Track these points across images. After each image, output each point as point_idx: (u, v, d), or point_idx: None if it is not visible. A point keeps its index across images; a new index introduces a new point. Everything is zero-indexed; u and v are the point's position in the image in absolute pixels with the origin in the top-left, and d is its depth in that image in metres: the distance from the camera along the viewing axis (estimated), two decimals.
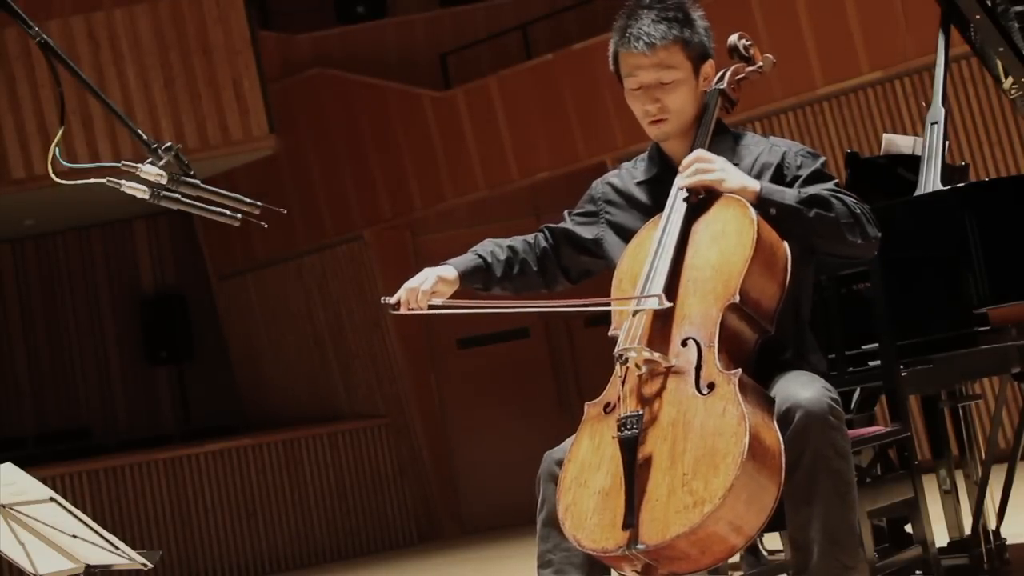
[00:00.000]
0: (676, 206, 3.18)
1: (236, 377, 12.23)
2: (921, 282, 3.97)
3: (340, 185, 11.16)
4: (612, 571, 3.09)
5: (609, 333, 3.16)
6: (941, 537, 4.04)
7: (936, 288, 3.96)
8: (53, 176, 2.72)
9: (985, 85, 8.51)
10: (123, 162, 2.67)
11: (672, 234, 3.13)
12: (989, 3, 4.37)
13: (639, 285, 3.11)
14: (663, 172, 3.35)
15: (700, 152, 3.20)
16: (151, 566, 3.91)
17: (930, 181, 4.17)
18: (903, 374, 3.75)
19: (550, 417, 10.67)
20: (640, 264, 3.16)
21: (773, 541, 3.67)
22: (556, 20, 11.75)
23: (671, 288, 3.07)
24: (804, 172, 3.24)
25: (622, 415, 2.94)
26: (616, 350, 3.05)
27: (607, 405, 3.05)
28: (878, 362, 3.78)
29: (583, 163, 9.97)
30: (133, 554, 3.85)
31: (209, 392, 12.36)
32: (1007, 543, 4.31)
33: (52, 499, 3.74)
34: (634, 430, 2.90)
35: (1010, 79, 4.43)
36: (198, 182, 2.68)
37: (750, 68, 3.44)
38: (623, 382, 3.01)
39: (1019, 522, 4.58)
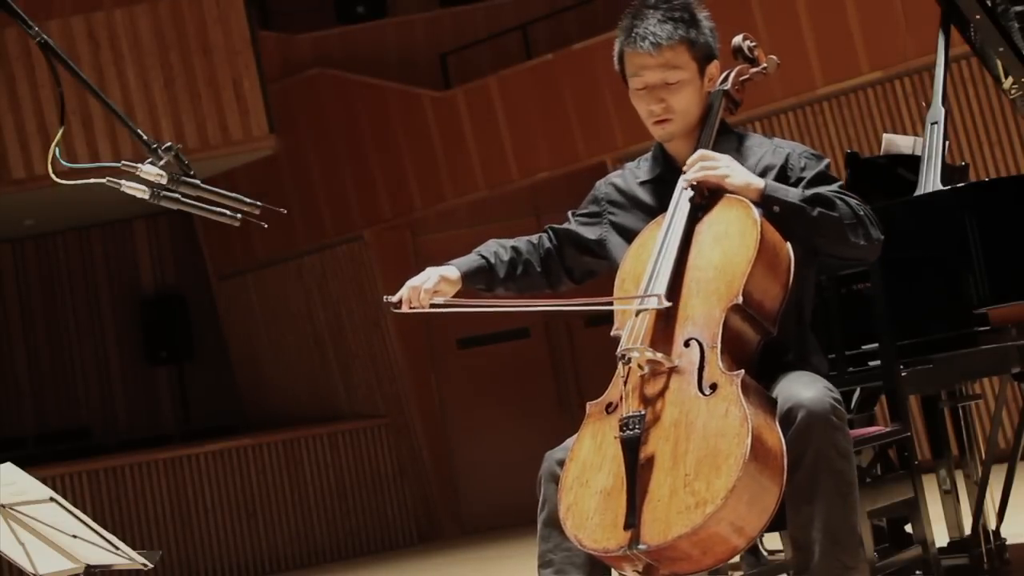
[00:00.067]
0: (679, 206, 3.18)
1: (236, 377, 12.23)
2: (921, 282, 3.97)
3: (340, 185, 11.16)
4: (613, 571, 3.09)
5: (612, 333, 3.16)
6: (941, 537, 4.04)
7: (936, 288, 3.96)
8: (53, 176, 2.72)
9: (985, 85, 8.50)
10: (123, 162, 2.67)
11: (675, 234, 3.13)
12: (989, 3, 4.37)
13: (642, 285, 3.11)
14: (667, 172, 3.35)
15: (704, 151, 3.20)
16: (151, 566, 3.91)
17: (930, 181, 4.17)
18: (903, 374, 3.75)
19: (550, 417, 10.67)
20: (643, 264, 3.16)
21: (773, 541, 3.67)
22: (556, 20, 11.75)
23: (674, 288, 3.07)
24: (808, 174, 3.24)
25: (624, 415, 2.94)
26: (619, 350, 3.05)
27: (609, 405, 3.05)
28: (878, 362, 3.78)
29: (583, 163, 9.97)
30: (133, 554, 3.85)
31: (209, 392, 12.36)
32: (1007, 543, 4.31)
33: (52, 499, 3.74)
34: (636, 430, 2.90)
35: (1010, 79, 4.43)
36: (198, 182, 2.68)
37: (754, 69, 3.44)
38: (625, 382, 3.01)
39: (1019, 522, 4.58)
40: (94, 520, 3.83)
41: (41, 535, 3.86)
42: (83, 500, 9.71)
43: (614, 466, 2.92)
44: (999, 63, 4.43)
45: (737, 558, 3.09)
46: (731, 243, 3.08)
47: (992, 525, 4.29)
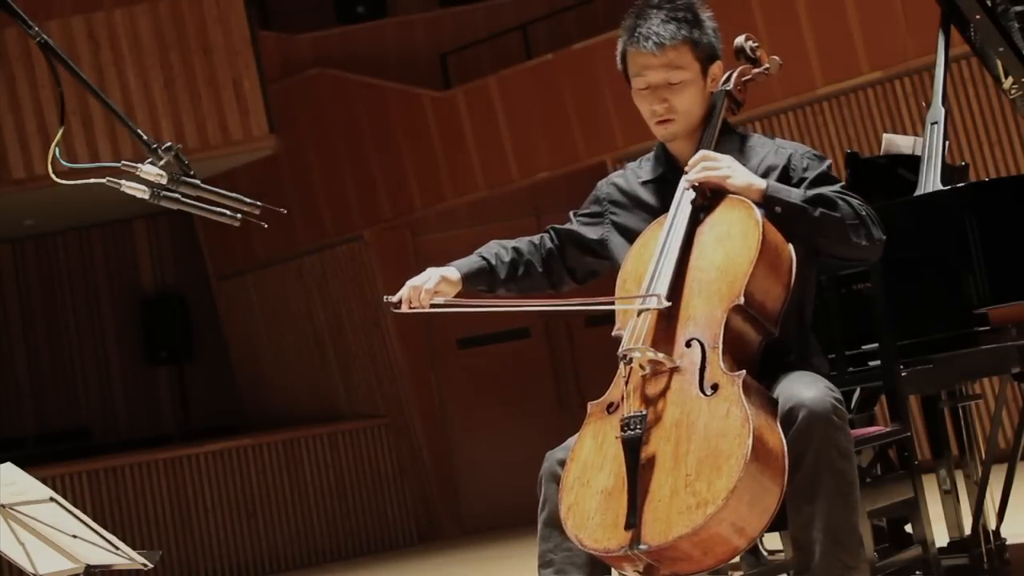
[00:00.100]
0: (681, 207, 3.18)
1: (236, 377, 12.23)
2: (921, 282, 3.97)
3: (340, 185, 11.16)
4: (613, 571, 3.09)
5: (613, 333, 3.16)
6: (941, 537, 4.04)
7: (936, 288, 3.96)
8: (53, 176, 2.72)
9: (985, 85, 8.50)
10: (123, 162, 2.67)
11: (677, 235, 3.13)
12: (989, 3, 4.37)
13: (644, 285, 3.11)
14: (669, 172, 3.35)
15: (706, 152, 3.21)
16: (151, 566, 3.91)
17: (930, 181, 4.17)
18: (903, 374, 3.75)
19: (550, 417, 10.67)
20: (645, 264, 3.16)
21: (773, 541, 3.67)
22: (556, 20, 11.75)
23: (675, 289, 3.07)
24: (810, 174, 3.24)
25: (626, 415, 2.94)
26: (620, 350, 3.05)
27: (610, 405, 3.05)
28: (878, 362, 3.78)
29: (583, 163, 9.97)
30: (133, 554, 3.85)
31: (209, 392, 12.36)
32: (1007, 543, 4.31)
33: (52, 499, 3.74)
34: (637, 430, 2.90)
35: (1010, 79, 4.43)
36: (198, 182, 2.68)
37: (756, 70, 3.44)
38: (627, 382, 3.01)
39: (1019, 522, 4.58)
40: (94, 520, 3.83)
41: (41, 535, 3.86)
42: (83, 500, 9.71)
43: (615, 466, 2.92)
44: (999, 63, 4.43)
45: (737, 558, 3.09)
46: (733, 244, 3.08)
47: (992, 525, 4.29)
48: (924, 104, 4.73)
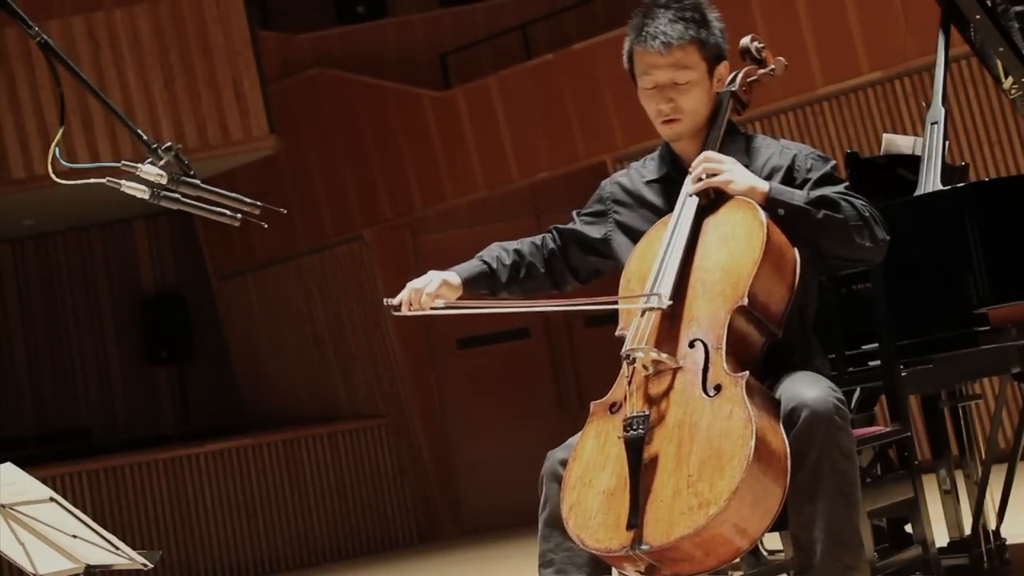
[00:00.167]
0: (686, 207, 3.18)
1: (236, 377, 12.23)
2: (921, 282, 3.96)
3: (340, 185, 11.16)
4: (614, 571, 3.09)
5: (616, 333, 3.16)
6: (941, 537, 4.04)
7: (936, 288, 3.96)
8: (53, 176, 2.72)
9: (985, 85, 8.50)
10: (123, 162, 2.68)
11: (681, 235, 3.13)
12: (989, 3, 4.37)
13: (647, 285, 3.11)
14: (673, 172, 3.35)
15: (709, 153, 3.21)
16: (151, 566, 3.91)
17: (930, 181, 4.17)
18: (903, 374, 3.75)
19: (550, 417, 10.67)
20: (649, 264, 3.16)
21: (773, 541, 3.67)
22: (556, 20, 11.75)
23: (679, 289, 3.07)
24: (814, 175, 3.24)
25: (628, 415, 2.94)
26: (624, 350, 3.05)
27: (613, 404, 3.05)
28: (878, 362, 3.78)
29: (583, 163, 9.97)
30: (133, 554, 3.85)
31: (209, 392, 12.36)
32: (1007, 543, 4.31)
33: (52, 499, 3.74)
34: (640, 430, 2.90)
35: (1010, 79, 4.43)
36: (198, 182, 2.68)
37: (762, 71, 3.44)
38: (630, 382, 3.01)
39: (1019, 522, 4.58)
40: (94, 520, 3.83)
41: (41, 535, 3.86)
42: (83, 500, 9.71)
43: (617, 466, 2.92)
44: (999, 63, 4.43)
45: (738, 558, 3.09)
46: (737, 244, 3.08)
47: (992, 525, 4.29)
48: (924, 104, 4.73)
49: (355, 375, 11.33)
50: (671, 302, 3.04)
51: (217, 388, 12.30)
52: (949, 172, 4.28)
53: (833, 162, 3.31)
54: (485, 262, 3.41)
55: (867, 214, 3.13)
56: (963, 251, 3.88)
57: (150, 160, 2.66)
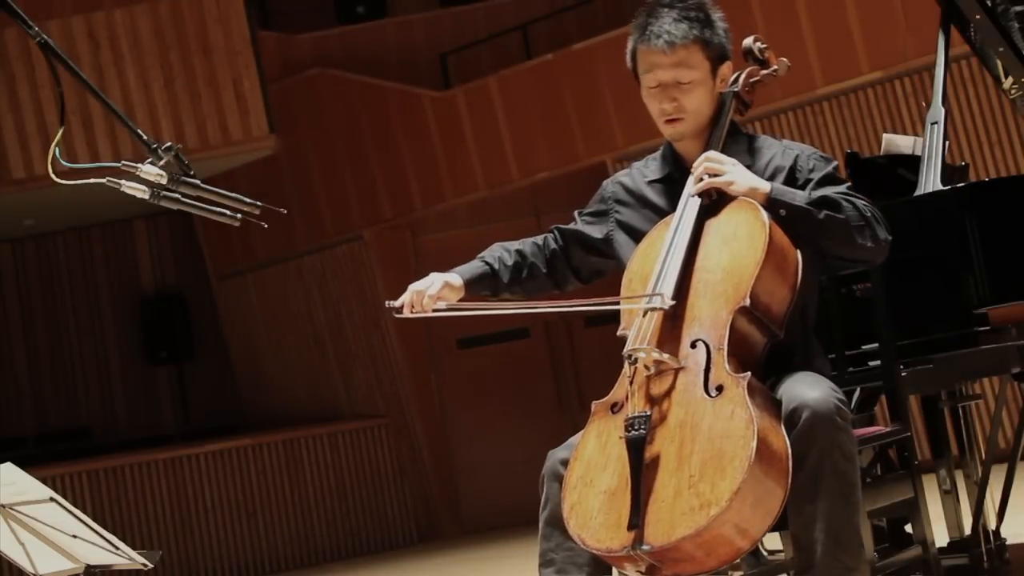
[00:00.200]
0: (688, 207, 3.18)
1: (236, 377, 12.23)
2: (921, 282, 3.96)
3: (340, 185, 11.16)
4: (615, 571, 3.08)
5: (618, 333, 3.16)
6: (941, 537, 4.04)
7: (936, 288, 3.96)
8: (53, 176, 2.72)
9: (985, 85, 8.51)
10: (123, 162, 2.67)
11: (683, 235, 3.13)
12: (989, 3, 4.37)
13: (649, 285, 3.11)
14: (676, 172, 3.35)
15: (711, 153, 3.21)
16: (151, 566, 3.91)
17: (930, 181, 4.17)
18: (903, 374, 3.74)
19: (550, 417, 10.67)
20: (651, 264, 3.16)
21: (773, 541, 3.67)
22: (556, 20, 11.75)
23: (681, 290, 3.07)
24: (816, 175, 3.24)
25: (630, 415, 2.94)
26: (625, 350, 3.05)
27: (614, 404, 3.05)
28: (878, 362, 3.78)
29: (583, 163, 9.97)
30: (133, 554, 3.85)
31: (209, 392, 12.36)
32: (1007, 543, 4.30)
33: (52, 499, 3.74)
34: (642, 431, 2.90)
35: (1010, 79, 4.43)
36: (198, 182, 2.68)
37: (765, 71, 3.44)
38: (631, 382, 3.01)
39: (1019, 522, 4.58)
40: (94, 520, 3.83)
41: (41, 535, 3.86)
42: (83, 500, 9.71)
43: (619, 466, 2.92)
44: (999, 63, 4.43)
45: (739, 559, 3.09)
46: (739, 245, 3.08)
47: (992, 525, 4.29)
48: (924, 104, 4.73)
49: (355, 375, 11.33)
50: (674, 302, 3.04)
51: (217, 388, 12.30)
52: (949, 172, 4.28)
53: (835, 163, 3.31)
54: (487, 263, 3.41)
55: (869, 214, 3.13)
56: (963, 251, 3.88)
57: (150, 160, 2.66)
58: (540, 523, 3.13)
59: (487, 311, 3.32)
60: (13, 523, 3.84)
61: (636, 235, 3.35)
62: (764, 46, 3.47)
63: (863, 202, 3.14)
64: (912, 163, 4.36)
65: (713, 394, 2.92)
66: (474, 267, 3.40)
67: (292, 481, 10.57)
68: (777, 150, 3.32)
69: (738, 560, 3.03)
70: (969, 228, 3.89)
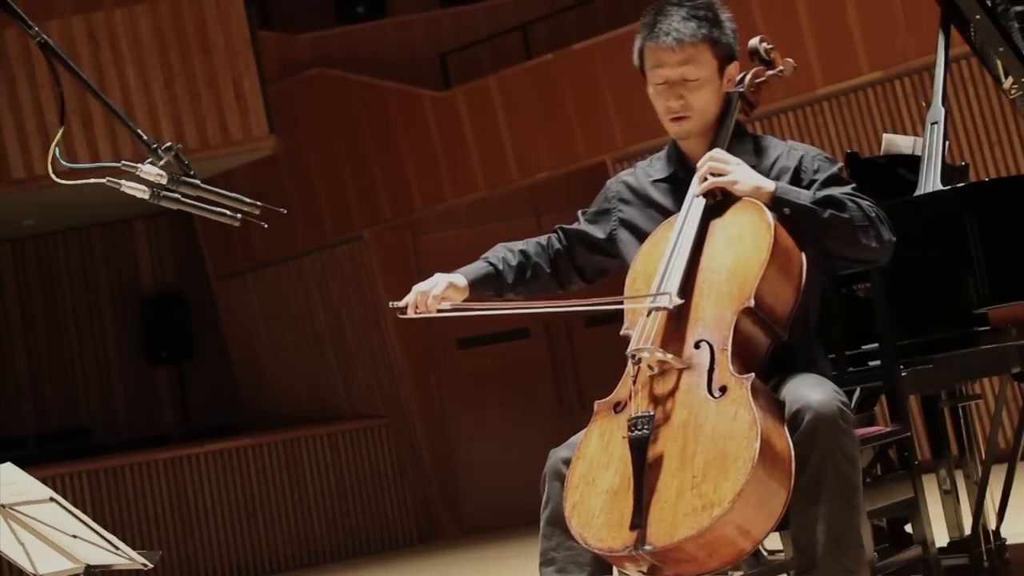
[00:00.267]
0: (693, 207, 3.18)
1: (236, 377, 12.23)
2: (921, 282, 3.96)
3: (340, 185, 11.16)
4: (615, 570, 3.08)
5: (622, 332, 3.16)
6: (941, 537, 4.03)
7: (936, 288, 3.96)
8: (53, 176, 2.72)
9: (985, 85, 8.51)
10: (123, 162, 2.67)
11: (688, 235, 3.13)
12: (989, 3, 4.37)
13: (653, 285, 3.10)
14: (680, 171, 3.35)
15: (715, 151, 3.21)
16: (151, 566, 3.91)
17: (930, 181, 4.17)
18: (903, 374, 3.74)
19: (550, 417, 10.67)
20: (655, 264, 3.16)
21: (774, 541, 3.67)
22: (556, 20, 11.75)
23: (685, 289, 3.06)
24: (821, 176, 3.24)
25: (633, 415, 2.94)
26: (629, 349, 3.05)
27: (617, 404, 3.04)
28: (878, 362, 3.78)
29: (583, 163, 9.97)
30: (133, 554, 3.85)
31: (209, 392, 12.36)
32: (1007, 543, 4.30)
33: (52, 499, 3.74)
34: (644, 430, 2.89)
35: (1010, 79, 4.43)
36: (198, 182, 2.68)
37: (770, 72, 3.44)
38: (635, 381, 3.00)
39: (1019, 522, 4.58)
40: (94, 520, 3.83)
41: (41, 535, 3.86)
42: (83, 500, 9.71)
43: (621, 466, 2.92)
44: (999, 63, 4.43)
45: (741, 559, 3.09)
46: (744, 246, 3.07)
47: (992, 525, 4.29)
48: (924, 104, 4.73)
49: (355, 375, 11.33)
50: (681, 301, 3.04)
51: (217, 388, 12.30)
52: (949, 172, 4.28)
53: (840, 163, 3.31)
54: (491, 263, 3.41)
55: (873, 214, 3.13)
56: (963, 251, 3.88)
57: (150, 160, 2.66)
58: (541, 522, 3.12)
59: (491, 311, 3.32)
60: (13, 523, 3.84)
61: (640, 234, 3.34)
62: (770, 47, 3.47)
63: (867, 202, 3.14)
64: (912, 163, 4.35)
65: (717, 395, 2.91)
66: (478, 268, 3.39)
67: (292, 481, 10.57)
68: (782, 150, 3.32)
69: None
70: (969, 228, 3.88)
